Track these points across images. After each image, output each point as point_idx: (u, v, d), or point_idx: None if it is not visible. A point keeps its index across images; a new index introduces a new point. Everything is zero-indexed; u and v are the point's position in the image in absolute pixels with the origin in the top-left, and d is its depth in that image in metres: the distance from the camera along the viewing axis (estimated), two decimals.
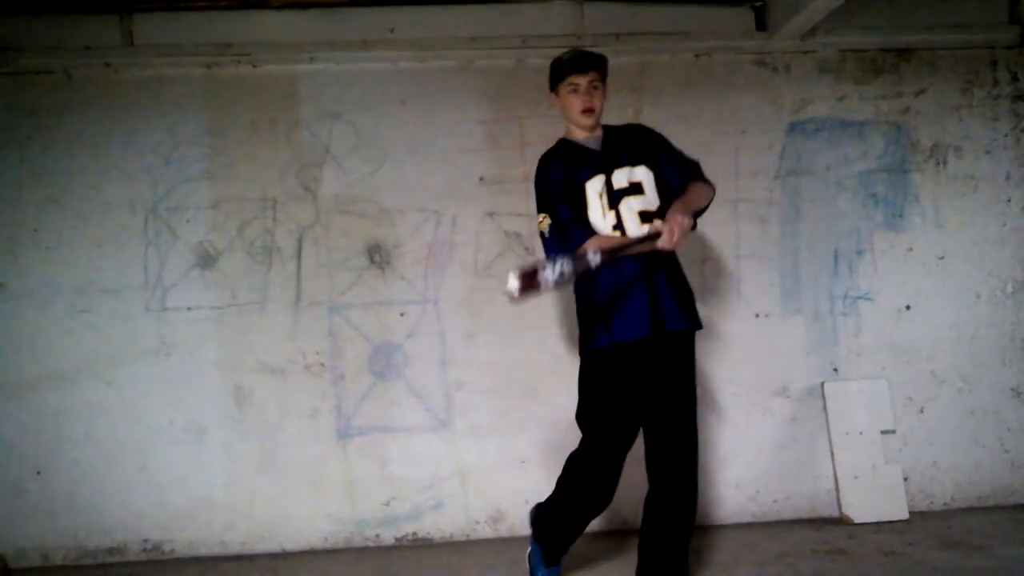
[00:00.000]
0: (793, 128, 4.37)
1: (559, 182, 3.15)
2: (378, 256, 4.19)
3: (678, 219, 2.84)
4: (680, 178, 3.13)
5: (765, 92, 4.37)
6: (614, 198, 3.09)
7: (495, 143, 4.21)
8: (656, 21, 4.27)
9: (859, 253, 4.35)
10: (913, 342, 4.35)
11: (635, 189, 3.10)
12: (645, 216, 3.06)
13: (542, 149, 4.19)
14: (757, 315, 4.30)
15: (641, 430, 3.15)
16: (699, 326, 3.17)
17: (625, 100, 4.30)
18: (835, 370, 4.31)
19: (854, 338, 4.33)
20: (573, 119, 3.20)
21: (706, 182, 3.16)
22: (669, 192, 3.12)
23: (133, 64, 4.17)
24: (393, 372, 4.16)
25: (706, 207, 3.12)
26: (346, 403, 4.16)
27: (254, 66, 4.22)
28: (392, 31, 4.21)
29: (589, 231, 3.08)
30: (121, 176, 4.16)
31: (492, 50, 4.23)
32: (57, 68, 4.16)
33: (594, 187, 3.11)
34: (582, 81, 3.13)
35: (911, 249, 4.37)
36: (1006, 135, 4.43)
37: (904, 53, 4.42)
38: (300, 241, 4.19)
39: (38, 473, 4.07)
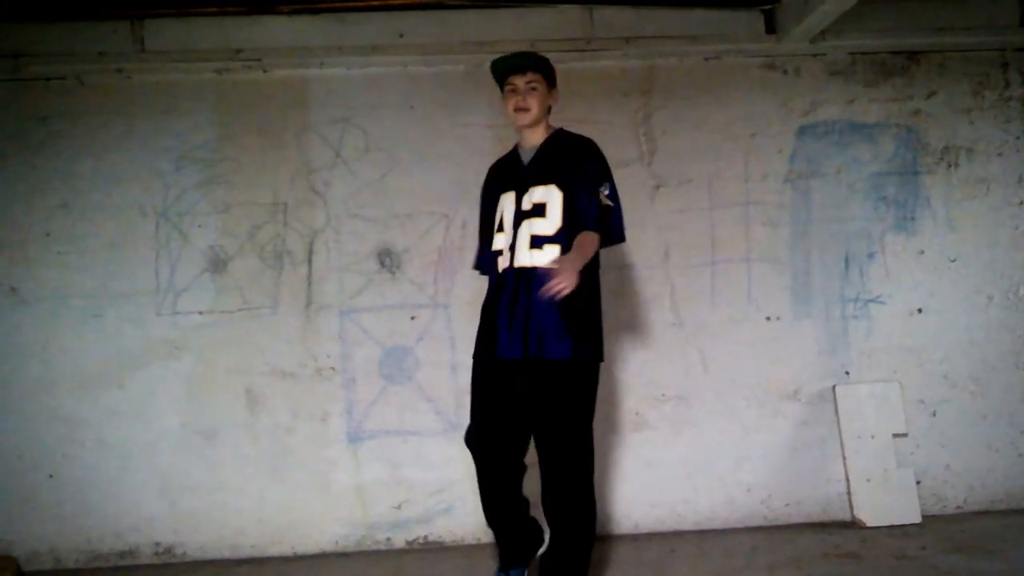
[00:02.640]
0: (803, 131, 4.36)
1: (485, 197, 3.28)
2: (388, 260, 4.20)
3: (564, 275, 2.78)
4: (580, 223, 3.02)
5: (775, 95, 4.36)
6: (518, 218, 3.08)
7: (504, 147, 4.16)
8: (665, 25, 4.27)
9: (870, 256, 4.34)
10: (925, 345, 4.33)
11: (538, 211, 3.05)
12: (536, 240, 3.02)
13: None
14: (768, 318, 4.30)
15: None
16: (569, 356, 3.00)
17: (634, 104, 4.32)
18: (846, 373, 4.30)
19: (865, 341, 4.31)
20: (510, 119, 3.20)
21: (598, 231, 3.02)
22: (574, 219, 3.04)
23: (144, 70, 4.19)
24: (404, 375, 4.17)
25: (591, 253, 3.00)
26: (357, 407, 4.17)
27: (264, 71, 4.24)
28: (401, 36, 4.22)
29: (489, 253, 3.18)
30: (132, 181, 4.18)
31: (501, 54, 4.20)
32: (69, 74, 4.19)
33: (505, 203, 3.15)
34: (519, 82, 3.13)
35: (922, 252, 4.36)
36: (1017, 137, 4.41)
37: (914, 56, 4.41)
38: (311, 245, 4.20)
39: (50, 476, 4.09)
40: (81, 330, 4.13)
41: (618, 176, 4.21)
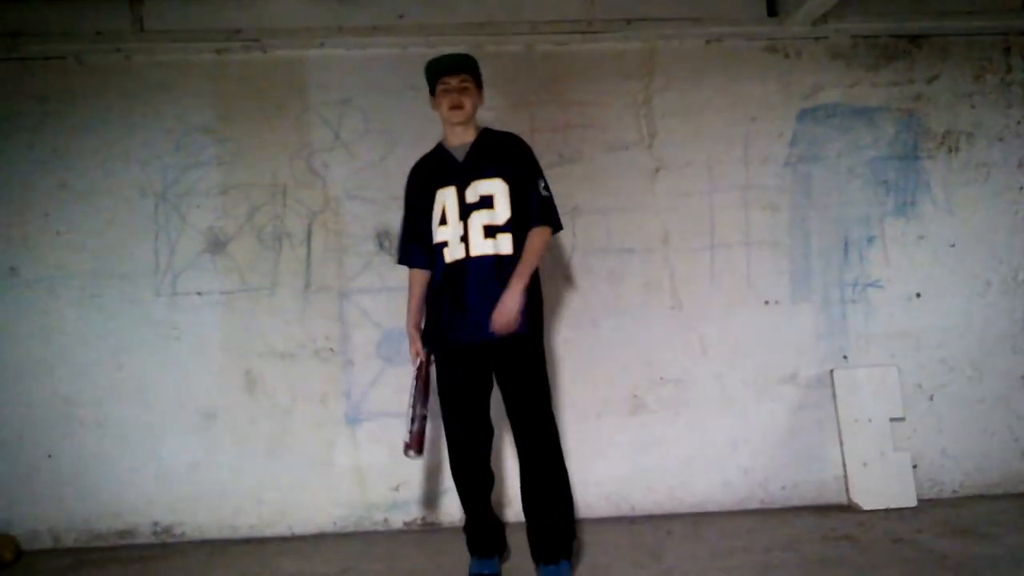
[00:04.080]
0: (804, 115, 4.35)
1: (414, 194, 3.43)
2: (387, 242, 4.19)
3: (504, 311, 3.14)
4: (525, 215, 3.28)
5: (776, 78, 4.35)
6: (465, 210, 3.27)
7: (504, 129, 4.19)
8: (666, 7, 4.25)
9: (869, 240, 4.34)
10: (923, 330, 4.34)
11: (485, 203, 3.26)
12: (489, 230, 3.24)
13: (551, 136, 4.26)
14: (767, 302, 4.30)
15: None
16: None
17: (635, 87, 4.30)
18: (844, 357, 4.31)
19: (864, 325, 4.32)
20: (444, 116, 3.35)
21: (545, 223, 3.30)
22: (517, 209, 3.29)
23: (143, 50, 4.18)
24: (402, 357, 4.15)
25: (539, 256, 3.29)
26: (355, 388, 4.18)
27: (264, 52, 4.22)
28: (401, 17, 4.20)
29: (424, 248, 3.37)
30: (131, 161, 4.17)
31: (501, 36, 4.23)
32: (68, 54, 4.17)
33: (445, 197, 3.30)
34: (453, 81, 3.31)
35: (922, 237, 4.36)
36: (1019, 122, 4.40)
37: (916, 39, 4.39)
38: (310, 226, 4.20)
39: (49, 456, 4.10)
40: (80, 310, 4.13)
41: (618, 159, 4.28)
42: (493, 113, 4.19)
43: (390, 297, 4.16)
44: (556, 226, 3.35)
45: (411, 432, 3.30)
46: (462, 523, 3.50)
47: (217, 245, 4.18)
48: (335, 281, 4.20)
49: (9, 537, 4.00)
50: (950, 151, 4.38)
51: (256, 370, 4.16)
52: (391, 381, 4.16)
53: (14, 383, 4.10)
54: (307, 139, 4.22)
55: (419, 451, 3.30)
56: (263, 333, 4.17)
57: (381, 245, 4.20)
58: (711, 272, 4.28)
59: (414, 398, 3.34)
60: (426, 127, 4.17)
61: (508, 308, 3.13)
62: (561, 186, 4.18)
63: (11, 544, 3.95)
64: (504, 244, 3.25)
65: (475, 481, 3.41)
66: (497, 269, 3.21)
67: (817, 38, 4.35)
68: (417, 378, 3.37)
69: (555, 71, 4.29)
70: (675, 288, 4.27)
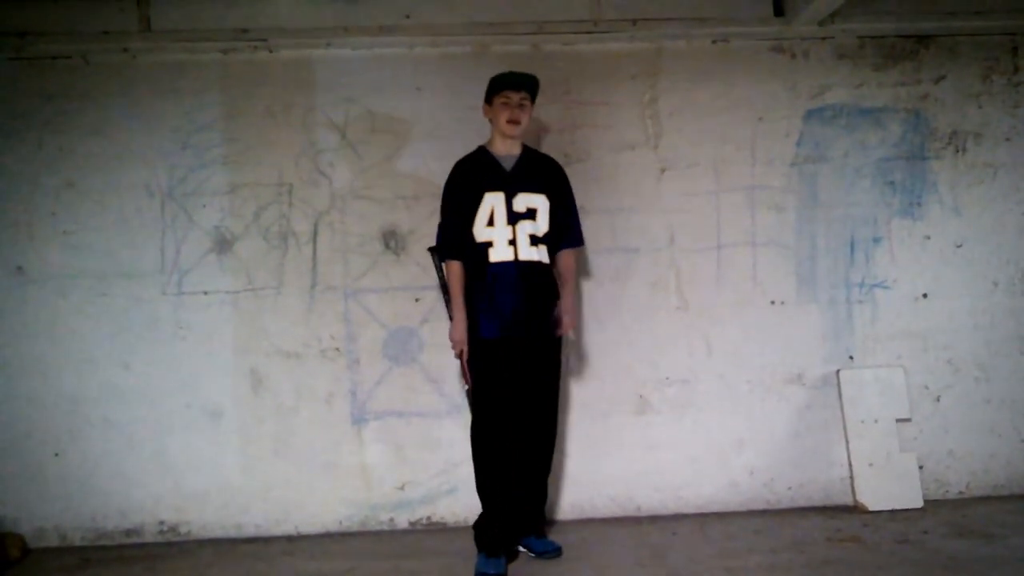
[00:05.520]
0: (810, 115, 4.34)
1: (461, 191, 3.60)
2: (393, 241, 4.19)
3: (568, 320, 3.66)
4: (561, 233, 3.68)
5: (782, 78, 4.34)
6: (512, 217, 3.54)
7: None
8: (673, 7, 4.24)
9: (876, 241, 4.33)
10: (930, 330, 4.33)
11: (530, 214, 3.57)
12: (534, 239, 3.56)
13: (557, 136, 4.26)
14: (773, 302, 4.29)
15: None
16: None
17: (641, 86, 4.30)
18: (851, 358, 4.30)
19: (870, 326, 4.31)
20: (500, 127, 3.58)
21: (582, 243, 3.81)
22: (555, 225, 3.65)
23: (150, 49, 4.18)
24: (408, 357, 4.18)
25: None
26: (361, 388, 4.18)
27: (271, 51, 4.23)
28: (408, 17, 4.20)
29: (465, 243, 3.56)
30: (138, 161, 4.18)
31: (508, 36, 4.23)
32: (75, 53, 4.18)
33: (494, 201, 3.54)
34: (514, 97, 3.56)
35: (928, 237, 4.35)
36: None
37: (923, 39, 4.38)
38: (316, 226, 4.20)
39: (56, 455, 4.11)
40: (87, 309, 4.14)
41: (624, 159, 4.29)
42: None
43: (396, 297, 4.17)
44: (583, 242, 3.81)
45: None
46: (468, 522, 3.52)
47: (223, 244, 4.18)
48: (341, 281, 4.20)
49: (16, 535, 4.01)
50: (957, 151, 4.37)
51: (262, 369, 4.17)
52: (397, 381, 4.16)
53: (21, 382, 4.11)
54: (313, 139, 4.23)
55: None
56: (269, 332, 4.17)
57: (387, 245, 4.20)
58: (717, 272, 4.28)
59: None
60: (432, 127, 4.21)
61: (574, 314, 3.77)
62: None
63: (18, 542, 3.97)
64: (543, 254, 3.60)
65: (506, 476, 3.54)
66: (541, 275, 3.58)
67: (824, 38, 4.35)
68: (465, 373, 3.61)
69: (561, 71, 4.29)
70: (681, 288, 4.27)
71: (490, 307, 3.51)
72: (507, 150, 3.63)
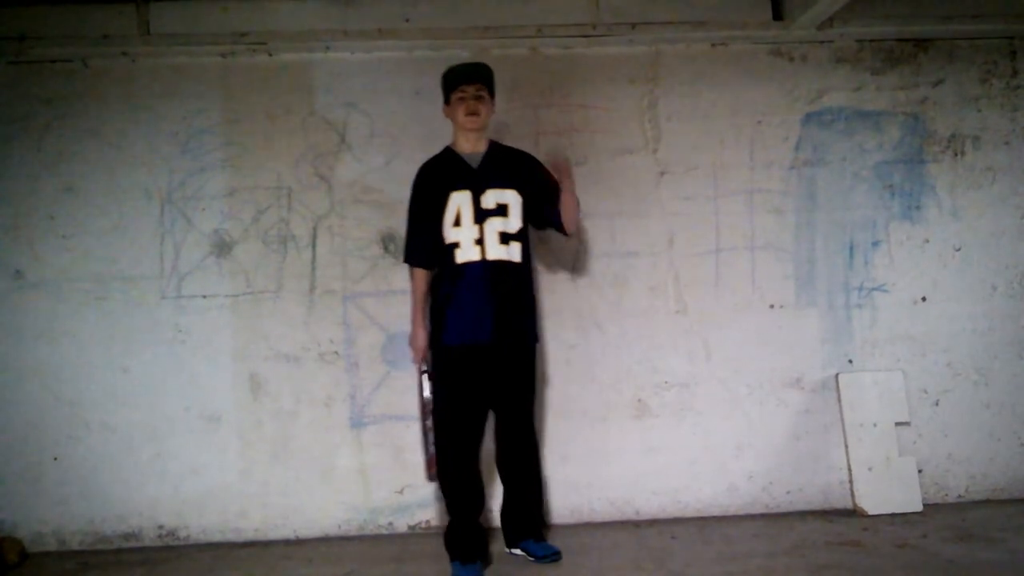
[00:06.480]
0: (809, 118, 4.35)
1: (424, 194, 3.51)
2: (392, 245, 4.19)
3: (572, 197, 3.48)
4: (553, 206, 3.51)
5: (781, 82, 4.35)
6: (480, 215, 3.40)
7: (509, 132, 4.20)
8: (672, 10, 4.24)
9: (875, 244, 4.33)
10: (929, 334, 4.33)
11: (500, 211, 3.42)
12: (505, 237, 3.40)
13: (556, 139, 4.26)
14: (772, 306, 4.29)
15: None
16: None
17: (640, 90, 4.30)
18: (850, 362, 4.30)
19: (869, 330, 4.31)
20: (460, 123, 3.49)
21: (560, 231, 3.59)
22: (536, 216, 3.55)
23: (149, 53, 4.19)
24: (407, 361, 4.14)
25: (575, 220, 3.58)
26: (360, 391, 4.18)
27: (270, 55, 4.23)
28: (407, 20, 4.20)
29: (432, 248, 3.46)
30: (137, 164, 4.18)
31: (507, 39, 4.23)
32: (74, 57, 4.18)
33: (460, 200, 3.42)
34: (469, 89, 3.46)
35: (927, 240, 4.35)
36: None
37: (922, 43, 4.39)
38: (315, 230, 4.20)
39: (54, 459, 4.11)
40: (85, 313, 4.14)
41: (623, 163, 4.28)
42: (498, 116, 4.18)
43: (395, 300, 4.16)
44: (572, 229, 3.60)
45: (431, 453, 3.41)
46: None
47: (222, 248, 4.18)
48: (340, 284, 4.20)
49: (14, 539, 4.00)
50: (956, 155, 4.38)
51: (261, 373, 4.16)
52: (396, 384, 4.16)
53: (20, 385, 4.11)
54: (312, 142, 4.23)
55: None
56: (268, 336, 4.17)
57: (386, 248, 4.20)
58: (716, 276, 4.28)
59: (427, 419, 3.42)
60: (431, 131, 4.18)
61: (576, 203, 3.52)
62: None
63: (16, 546, 3.96)
64: (515, 252, 3.42)
65: (470, 484, 3.44)
66: (510, 275, 3.40)
67: (822, 42, 4.35)
68: (422, 390, 3.41)
69: (560, 74, 4.29)
70: (680, 292, 4.27)
71: (454, 311, 3.40)
72: (472, 147, 3.52)
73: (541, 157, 3.79)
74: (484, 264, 3.37)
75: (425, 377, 3.53)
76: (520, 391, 3.53)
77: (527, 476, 3.66)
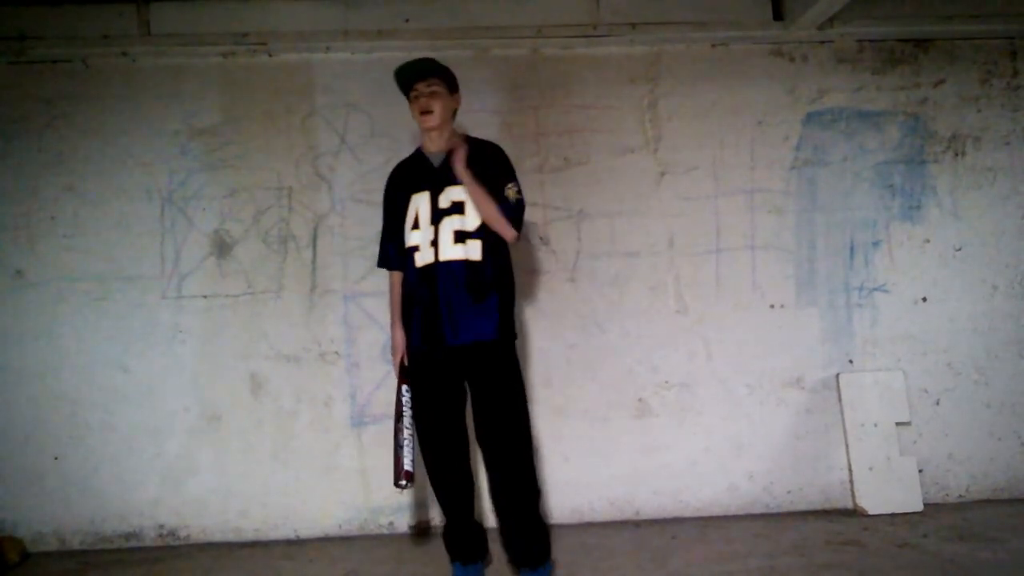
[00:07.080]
0: (810, 118, 4.35)
1: (391, 198, 3.42)
2: None
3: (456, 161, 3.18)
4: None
5: (782, 82, 4.35)
6: (437, 216, 3.25)
7: (510, 132, 4.20)
8: (672, 11, 4.25)
9: (875, 244, 4.33)
10: (929, 334, 4.33)
11: (457, 208, 3.24)
12: (459, 236, 3.22)
13: (557, 139, 4.26)
14: (772, 306, 4.29)
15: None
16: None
17: (641, 90, 4.30)
18: (850, 361, 4.30)
19: (870, 329, 4.31)
20: (417, 123, 3.34)
21: (510, 221, 3.23)
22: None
23: (150, 53, 4.19)
24: None
25: (491, 218, 3.22)
26: (360, 391, 4.18)
27: (270, 55, 4.23)
28: (407, 21, 4.21)
29: (398, 250, 3.35)
30: (138, 164, 4.19)
31: (507, 39, 4.23)
32: (74, 57, 4.19)
33: (419, 202, 3.29)
34: (422, 87, 3.30)
35: (928, 240, 4.35)
36: None
37: (922, 43, 4.39)
38: (315, 230, 4.20)
39: (55, 459, 4.11)
40: (86, 313, 4.14)
41: (623, 162, 4.28)
42: (499, 116, 4.20)
43: None
44: (516, 229, 3.26)
45: (406, 459, 3.27)
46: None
47: (223, 248, 4.18)
48: (340, 284, 4.20)
49: (15, 539, 4.00)
50: (956, 155, 4.38)
51: (261, 373, 4.16)
52: (396, 384, 4.14)
53: (20, 385, 4.11)
54: (313, 142, 4.23)
55: (413, 480, 3.29)
56: (268, 336, 4.17)
57: None
58: (716, 276, 4.28)
59: (399, 421, 3.30)
60: None
61: (459, 160, 3.17)
62: (566, 189, 4.21)
63: (17, 546, 3.96)
64: (473, 250, 3.23)
65: (455, 486, 3.37)
66: (466, 274, 3.21)
67: (823, 42, 4.35)
68: (399, 397, 3.34)
69: (561, 75, 4.29)
70: (680, 292, 4.27)
71: (415, 314, 3.30)
72: (436, 145, 3.34)
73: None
74: (437, 266, 3.22)
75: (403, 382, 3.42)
76: (491, 392, 3.26)
77: (510, 500, 3.30)
